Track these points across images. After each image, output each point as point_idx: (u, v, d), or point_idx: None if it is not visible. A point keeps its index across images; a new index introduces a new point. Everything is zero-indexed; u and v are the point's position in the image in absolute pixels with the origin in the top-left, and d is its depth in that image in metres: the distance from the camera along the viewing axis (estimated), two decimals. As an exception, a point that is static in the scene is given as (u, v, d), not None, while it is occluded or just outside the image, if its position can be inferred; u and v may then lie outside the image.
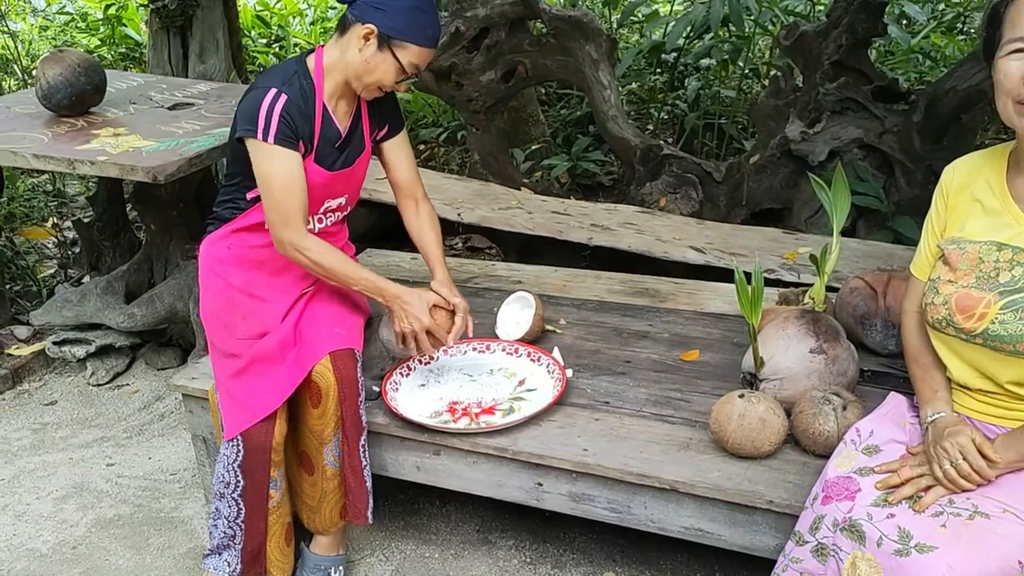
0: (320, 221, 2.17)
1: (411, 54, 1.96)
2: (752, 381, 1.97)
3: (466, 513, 2.45)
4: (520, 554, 2.30)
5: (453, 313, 2.12)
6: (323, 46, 2.06)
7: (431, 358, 2.27)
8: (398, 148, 2.24)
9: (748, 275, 1.91)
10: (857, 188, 3.17)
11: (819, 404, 1.79)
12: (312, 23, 6.81)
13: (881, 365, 2.11)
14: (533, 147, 4.70)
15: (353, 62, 1.98)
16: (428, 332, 2.06)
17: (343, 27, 1.99)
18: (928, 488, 1.50)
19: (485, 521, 2.42)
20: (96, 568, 2.34)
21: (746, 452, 1.82)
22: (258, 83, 2.01)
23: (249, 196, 2.08)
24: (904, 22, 5.31)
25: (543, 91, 5.37)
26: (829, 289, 2.20)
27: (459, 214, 3.39)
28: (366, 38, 1.94)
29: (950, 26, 5.48)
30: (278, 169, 1.96)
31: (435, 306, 2.09)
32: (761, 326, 1.98)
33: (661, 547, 2.25)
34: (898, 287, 2.09)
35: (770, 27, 4.74)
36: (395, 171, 2.26)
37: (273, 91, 1.95)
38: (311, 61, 2.04)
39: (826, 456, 1.72)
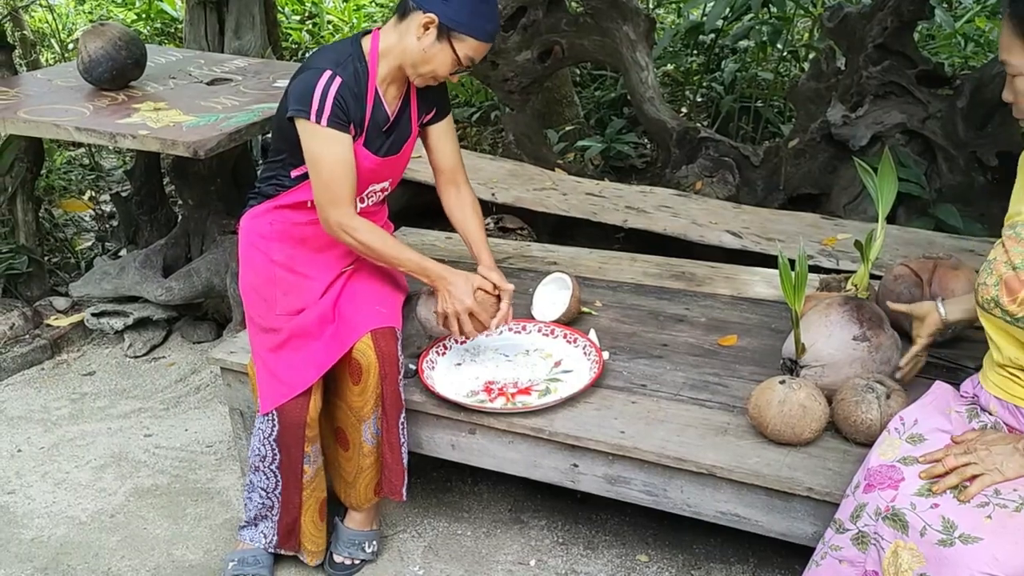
0: (362, 201, 2.17)
1: (469, 47, 1.94)
2: (792, 367, 1.95)
3: (498, 492, 2.46)
4: (552, 534, 2.31)
5: (497, 297, 2.11)
6: (379, 29, 2.05)
7: (467, 337, 2.27)
8: (443, 133, 2.22)
9: (791, 261, 1.89)
10: (898, 174, 3.10)
11: (862, 392, 1.77)
12: (345, 0, 6.80)
13: (924, 354, 2.08)
14: (567, 128, 4.67)
15: (410, 50, 1.96)
16: (471, 314, 2.06)
17: (403, 12, 1.97)
18: (974, 478, 1.48)
19: (517, 501, 2.43)
20: (134, 536, 2.38)
21: (786, 439, 1.81)
22: (312, 63, 2.00)
23: (294, 174, 2.09)
24: (945, 4, 5.20)
25: (577, 72, 5.33)
26: (871, 276, 2.17)
27: (493, 194, 3.38)
28: (426, 27, 1.92)
29: (994, 10, 5.36)
30: (329, 151, 1.96)
31: (478, 288, 2.08)
32: (802, 312, 1.96)
33: (694, 531, 2.24)
34: (944, 275, 2.06)
35: (811, 9, 4.66)
36: (438, 156, 2.25)
37: (328, 73, 1.94)
38: (367, 44, 2.03)
39: (868, 444, 1.71)
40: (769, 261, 2.74)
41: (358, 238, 2.02)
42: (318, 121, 1.93)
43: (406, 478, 2.11)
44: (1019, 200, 1.61)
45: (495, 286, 2.10)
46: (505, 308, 2.10)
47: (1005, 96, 1.57)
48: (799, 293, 1.85)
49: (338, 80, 1.94)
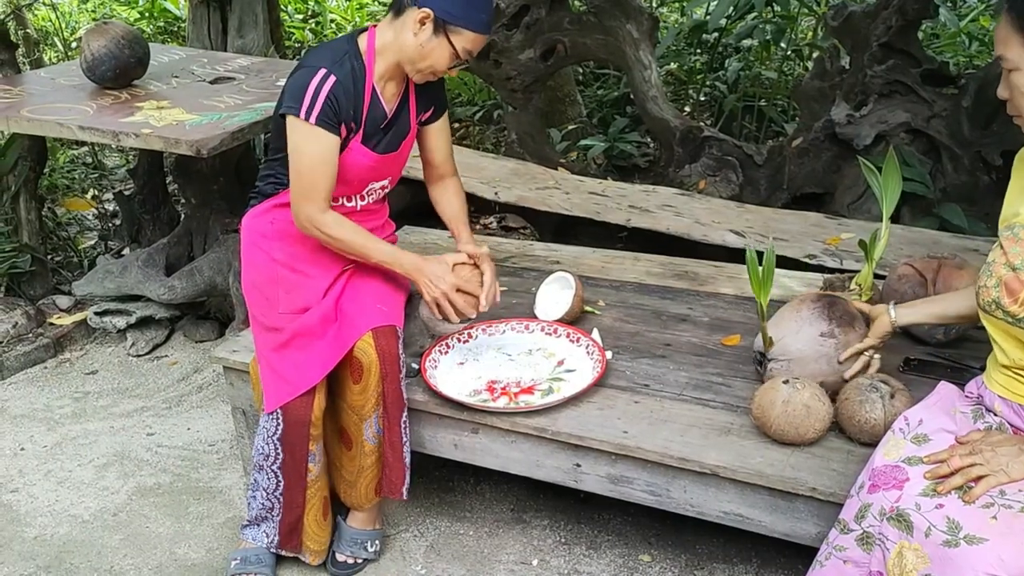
0: (363, 199, 2.17)
1: (466, 40, 1.94)
2: (762, 361, 1.96)
3: (500, 492, 2.46)
4: (554, 534, 2.31)
5: (478, 269, 2.10)
6: (375, 26, 2.04)
7: (470, 336, 2.27)
8: (439, 130, 2.23)
9: (759, 254, 1.90)
10: (903, 173, 3.10)
11: (866, 391, 1.77)
12: (348, -1, 6.81)
13: (928, 354, 2.08)
14: (570, 127, 4.67)
15: (407, 46, 1.96)
16: (459, 291, 2.05)
17: (398, 9, 1.97)
18: (979, 478, 1.47)
19: (519, 500, 2.42)
20: (136, 535, 2.38)
21: (789, 439, 1.80)
22: (308, 61, 2.00)
23: (291, 171, 2.09)
24: (949, 3, 5.18)
25: (580, 71, 5.33)
26: (875, 276, 2.17)
27: (496, 193, 3.38)
28: (422, 22, 1.92)
29: (998, 9, 5.35)
30: (312, 149, 1.96)
31: (459, 264, 2.07)
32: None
33: (697, 531, 2.24)
34: (948, 274, 2.05)
35: (815, 7, 4.65)
36: (432, 152, 2.25)
37: (323, 71, 1.94)
38: (363, 41, 2.03)
39: (872, 444, 1.70)
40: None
41: (328, 232, 2.02)
42: (307, 118, 1.93)
43: (407, 477, 2.10)
44: (1015, 201, 1.60)
45: (471, 257, 2.10)
46: (490, 278, 2.09)
47: (1000, 92, 1.56)
48: (765, 287, 1.87)
49: (332, 79, 1.94)
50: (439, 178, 2.29)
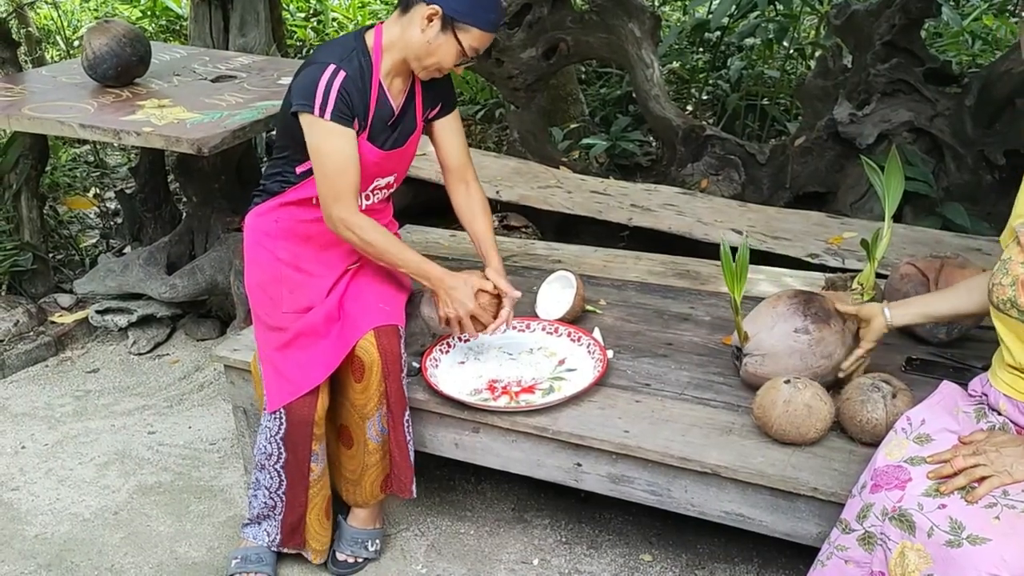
0: (368, 199, 2.16)
1: (473, 38, 1.93)
2: (738, 355, 1.97)
3: (501, 491, 2.45)
4: (555, 533, 2.30)
5: (498, 297, 2.10)
6: (382, 23, 2.04)
7: (468, 337, 2.26)
8: (450, 127, 2.21)
9: (733, 250, 1.92)
10: (906, 172, 3.09)
11: (868, 391, 1.76)
12: (350, -2, 6.80)
13: (930, 354, 2.07)
14: (572, 126, 4.66)
15: (414, 43, 1.95)
16: (472, 316, 2.05)
17: (405, 6, 1.96)
18: (982, 479, 1.47)
19: (520, 500, 2.42)
20: (137, 533, 2.38)
21: (790, 438, 1.80)
22: (316, 58, 1.99)
23: (299, 170, 2.08)
24: (952, 1, 5.17)
25: (582, 70, 5.32)
26: (877, 275, 2.16)
27: (497, 192, 3.37)
28: (429, 19, 1.91)
29: (1002, 8, 5.34)
30: (333, 146, 1.95)
31: (479, 291, 2.07)
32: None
33: (698, 531, 2.23)
34: (950, 274, 2.05)
35: (818, 6, 4.64)
36: (445, 151, 2.23)
37: (332, 67, 1.93)
38: (370, 38, 2.02)
39: (873, 444, 1.70)
40: (774, 260, 2.73)
41: (361, 235, 2.01)
42: (321, 115, 1.92)
43: (413, 475, 2.10)
44: None
45: (495, 287, 2.09)
46: (506, 312, 2.09)
47: None
48: (740, 282, 1.88)
49: (342, 74, 1.93)
50: (459, 183, 2.24)
